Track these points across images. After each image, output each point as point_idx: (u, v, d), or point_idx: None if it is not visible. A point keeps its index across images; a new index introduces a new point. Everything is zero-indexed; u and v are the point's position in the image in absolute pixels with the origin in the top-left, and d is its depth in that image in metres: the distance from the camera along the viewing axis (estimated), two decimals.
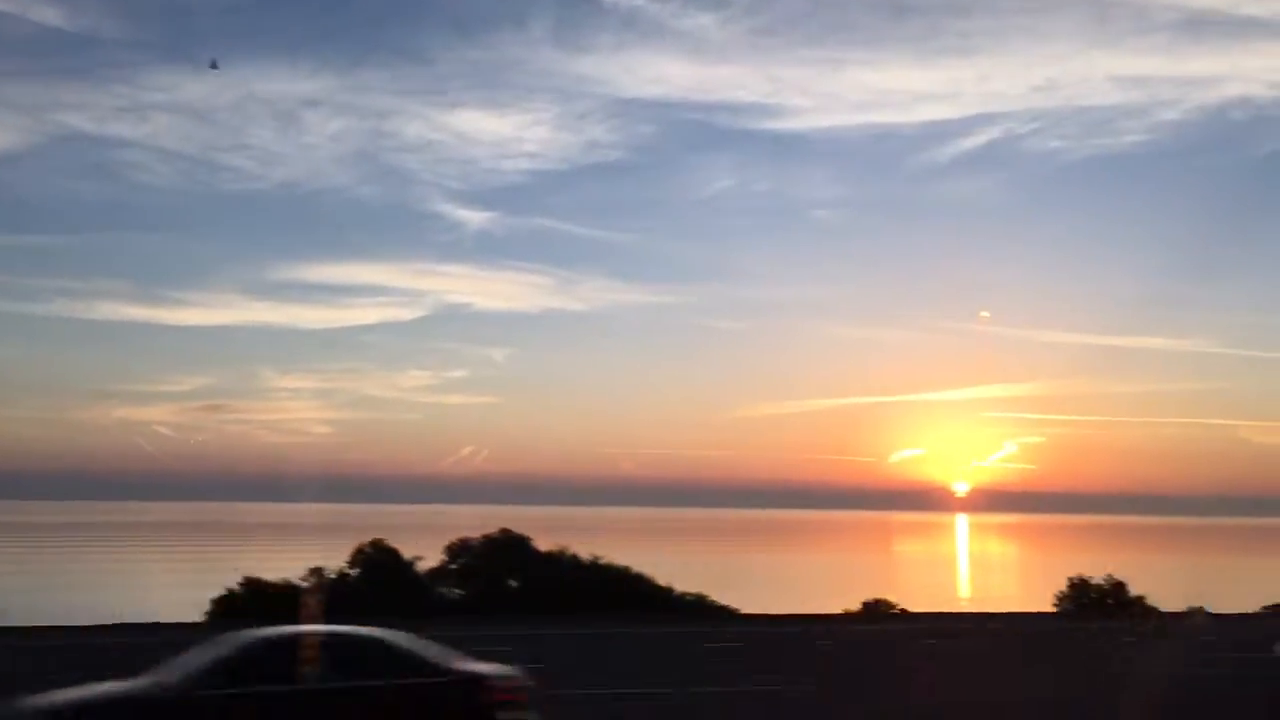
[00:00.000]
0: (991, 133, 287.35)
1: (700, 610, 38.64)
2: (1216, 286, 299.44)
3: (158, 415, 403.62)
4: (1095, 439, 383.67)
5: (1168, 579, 77.33)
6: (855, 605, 42.29)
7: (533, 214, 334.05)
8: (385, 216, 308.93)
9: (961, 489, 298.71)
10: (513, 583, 38.66)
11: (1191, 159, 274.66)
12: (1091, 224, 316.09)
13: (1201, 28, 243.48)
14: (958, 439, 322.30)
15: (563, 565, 39.30)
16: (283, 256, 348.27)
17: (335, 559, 38.47)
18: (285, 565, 39.69)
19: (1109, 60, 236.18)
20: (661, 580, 40.22)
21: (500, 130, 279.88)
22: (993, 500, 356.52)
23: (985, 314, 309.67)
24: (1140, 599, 42.65)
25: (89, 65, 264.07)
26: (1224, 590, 59.68)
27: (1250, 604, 44.95)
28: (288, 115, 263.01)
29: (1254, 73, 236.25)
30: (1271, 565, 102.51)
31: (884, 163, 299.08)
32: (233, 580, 37.09)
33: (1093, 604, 41.75)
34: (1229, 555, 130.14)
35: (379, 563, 37.96)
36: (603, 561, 39.91)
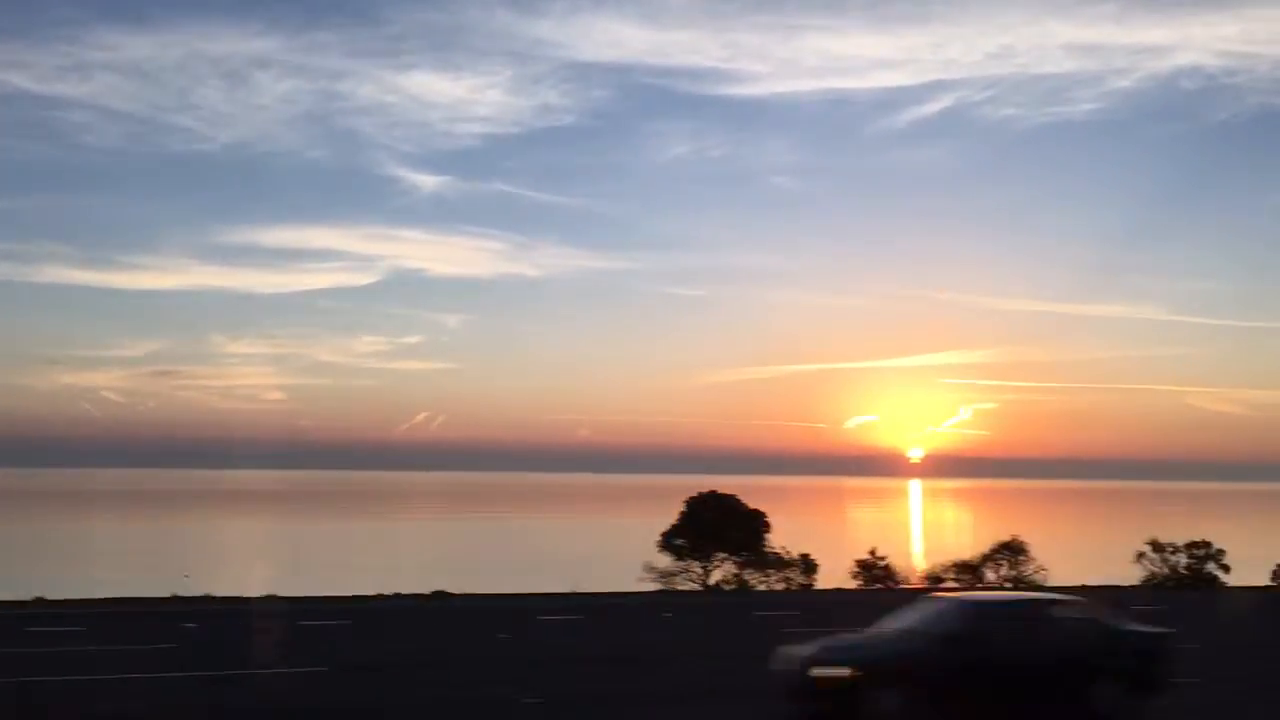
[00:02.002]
0: (946, 100, 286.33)
1: None
2: (1167, 254, 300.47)
3: (106, 381, 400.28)
4: (1047, 405, 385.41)
5: None
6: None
7: (487, 178, 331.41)
8: (338, 180, 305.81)
9: (916, 455, 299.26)
10: None
11: (1143, 128, 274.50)
12: (1045, 192, 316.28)
13: None
14: (912, 405, 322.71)
15: None
16: (232, 220, 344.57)
17: None
18: None
19: (1062, 28, 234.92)
20: None
21: (454, 93, 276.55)
22: (947, 466, 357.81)
23: (943, 289, 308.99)
24: None
25: (30, 23, 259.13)
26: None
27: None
28: (236, 75, 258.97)
29: (1204, 42, 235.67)
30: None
31: (840, 129, 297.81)
32: None
33: None
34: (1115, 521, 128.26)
35: None
36: None
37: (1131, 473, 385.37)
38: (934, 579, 39.94)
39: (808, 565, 39.50)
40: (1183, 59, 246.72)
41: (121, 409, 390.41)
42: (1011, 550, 40.79)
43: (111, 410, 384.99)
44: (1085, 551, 64.30)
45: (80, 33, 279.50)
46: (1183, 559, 41.38)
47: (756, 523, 39.43)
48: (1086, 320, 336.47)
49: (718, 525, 38.82)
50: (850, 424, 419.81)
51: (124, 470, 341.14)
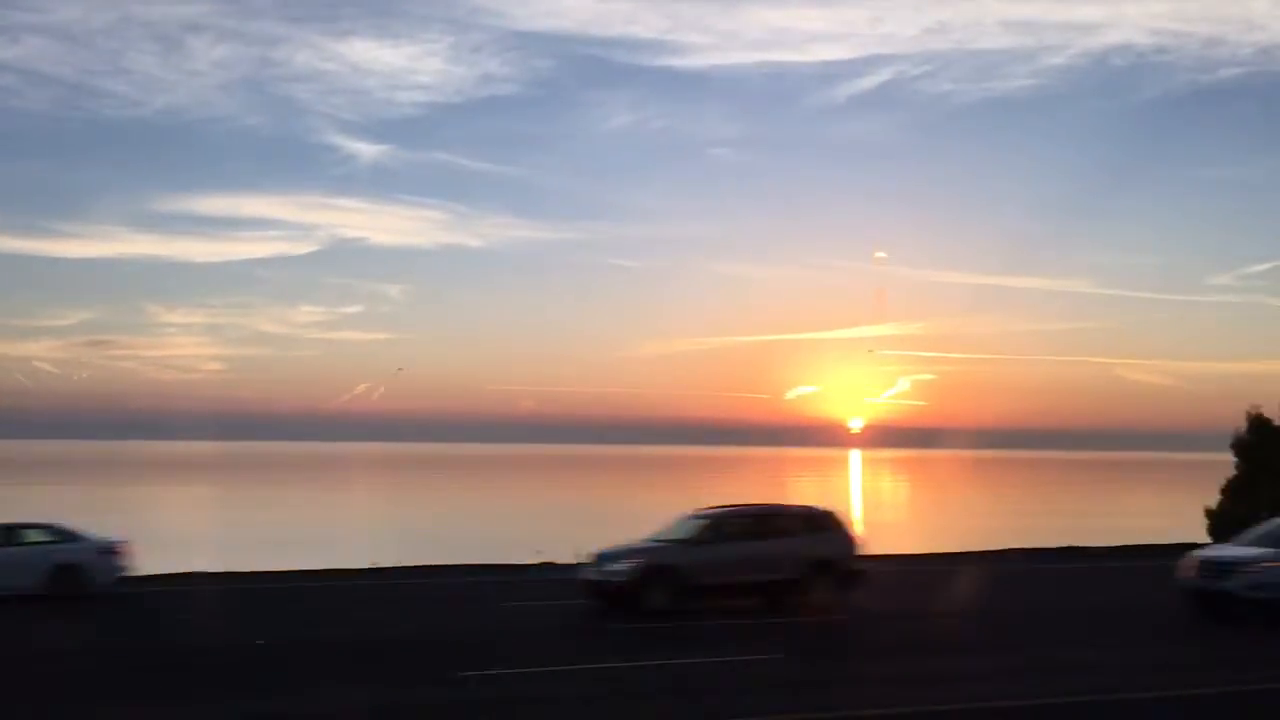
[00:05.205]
0: (884, 74, 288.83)
1: None
2: (1097, 229, 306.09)
3: (39, 351, 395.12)
4: (982, 376, 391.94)
5: None
6: None
7: (428, 147, 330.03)
8: (275, 148, 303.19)
9: (856, 425, 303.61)
10: None
11: (1075, 104, 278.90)
12: (980, 166, 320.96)
13: None
14: (851, 376, 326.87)
15: None
16: (167, 187, 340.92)
17: None
18: None
19: (998, 5, 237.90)
20: None
21: (393, 60, 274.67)
22: (886, 436, 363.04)
23: (881, 255, 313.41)
24: None
25: None
26: None
27: None
28: (169, 40, 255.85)
29: (1136, 19, 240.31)
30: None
31: (780, 102, 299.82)
32: None
33: None
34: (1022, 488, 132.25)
35: None
36: None
37: (1061, 443, 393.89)
38: None
39: None
40: (1114, 37, 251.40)
41: (55, 379, 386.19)
42: None
43: (45, 381, 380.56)
44: None
45: None
46: None
47: None
48: (1019, 292, 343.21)
49: None
50: (791, 395, 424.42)
51: (59, 442, 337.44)
